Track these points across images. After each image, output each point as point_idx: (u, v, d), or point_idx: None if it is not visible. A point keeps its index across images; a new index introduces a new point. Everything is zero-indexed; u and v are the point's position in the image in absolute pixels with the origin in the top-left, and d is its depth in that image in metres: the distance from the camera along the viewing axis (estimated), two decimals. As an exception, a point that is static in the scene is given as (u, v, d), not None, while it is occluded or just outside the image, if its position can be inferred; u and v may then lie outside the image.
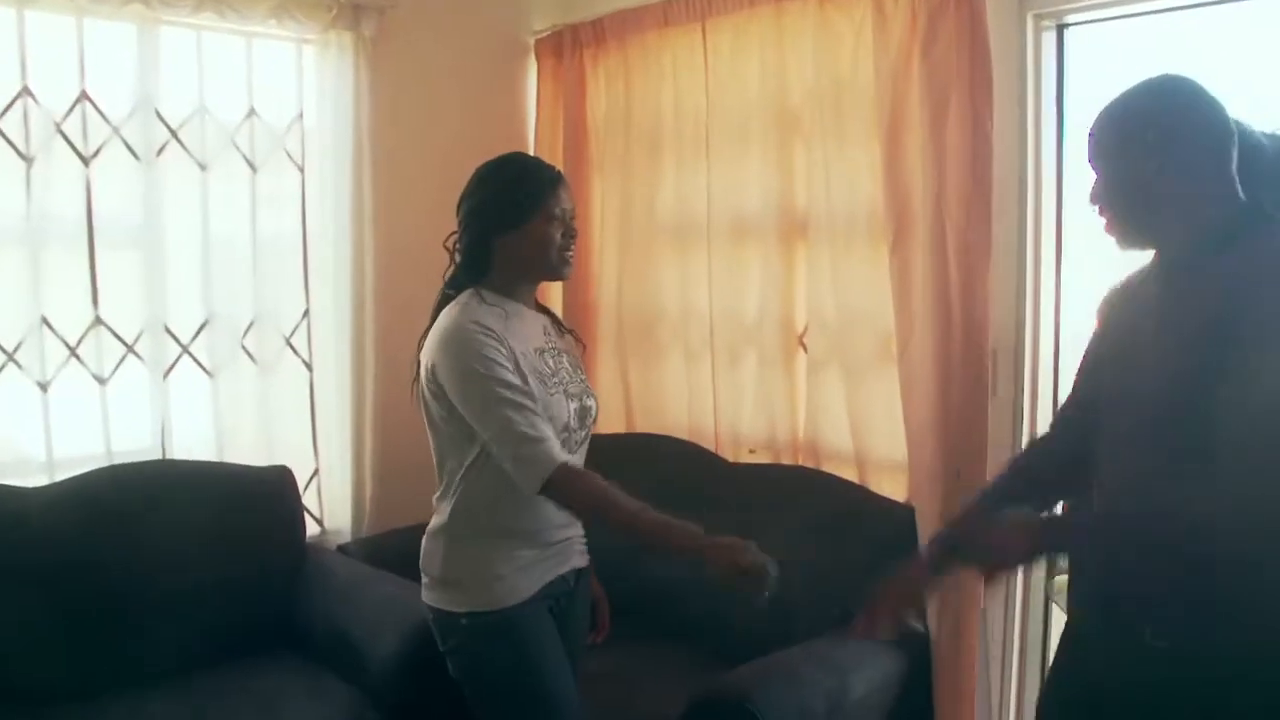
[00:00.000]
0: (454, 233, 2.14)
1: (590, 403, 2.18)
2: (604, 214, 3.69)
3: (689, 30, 3.33)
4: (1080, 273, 2.78)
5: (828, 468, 3.09)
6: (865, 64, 2.86)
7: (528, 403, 1.96)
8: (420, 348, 2.09)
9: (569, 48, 3.71)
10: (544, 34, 3.83)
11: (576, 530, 2.22)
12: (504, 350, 1.98)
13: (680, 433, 3.46)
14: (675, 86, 3.42)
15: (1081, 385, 1.85)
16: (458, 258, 2.13)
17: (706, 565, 1.86)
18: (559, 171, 2.16)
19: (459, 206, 2.13)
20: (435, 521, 2.14)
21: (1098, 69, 2.77)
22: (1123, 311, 1.76)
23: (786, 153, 3.14)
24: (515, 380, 1.97)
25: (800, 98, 3.08)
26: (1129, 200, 1.63)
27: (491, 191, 2.09)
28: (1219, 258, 1.56)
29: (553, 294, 3.75)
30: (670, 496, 3.20)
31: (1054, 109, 2.76)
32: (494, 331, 1.99)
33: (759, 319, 3.24)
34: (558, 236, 2.09)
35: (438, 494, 2.13)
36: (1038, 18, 2.70)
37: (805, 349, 3.17)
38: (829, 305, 3.03)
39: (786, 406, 3.20)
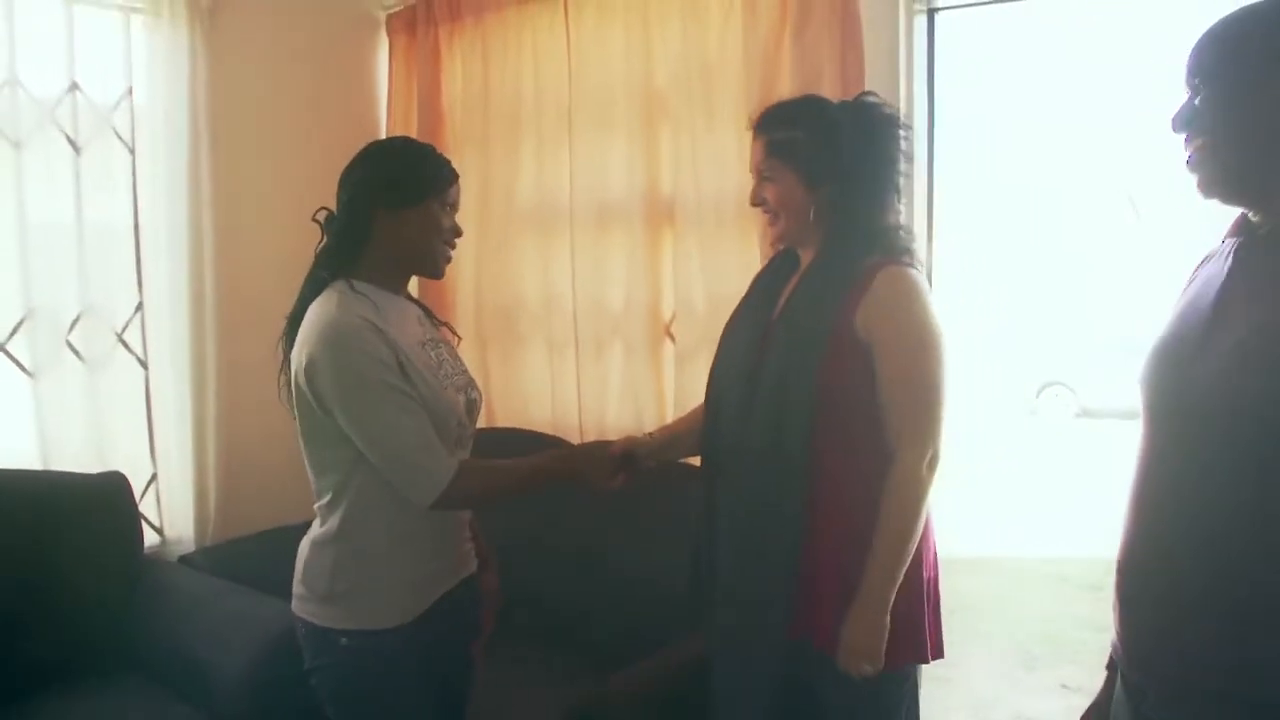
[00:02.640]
0: (322, 208, 1.99)
1: (475, 395, 2.10)
2: (461, 199, 3.52)
3: (550, 6, 3.21)
4: (953, 260, 2.80)
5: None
6: (735, 45, 2.81)
7: (416, 409, 1.85)
8: (287, 336, 1.94)
9: (423, 24, 3.54)
10: (396, 9, 3.67)
11: (467, 535, 2.14)
12: (387, 349, 1.85)
13: (543, 427, 3.35)
14: (536, 66, 3.29)
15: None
16: (331, 232, 1.97)
17: (585, 476, 2.07)
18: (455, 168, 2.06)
19: (343, 179, 1.97)
20: (321, 531, 1.97)
21: (967, 55, 2.79)
22: (1193, 294, 1.43)
23: (652, 136, 3.06)
24: (400, 384, 1.84)
25: (667, 79, 3.00)
26: (1247, 129, 1.29)
27: (389, 165, 1.98)
28: None
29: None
30: (545, 496, 3.15)
31: (925, 94, 2.75)
32: (376, 327, 1.85)
33: (625, 308, 3.16)
34: (445, 227, 2.00)
35: (323, 501, 1.96)
36: (910, 1, 2.68)
37: (673, 338, 3.10)
38: (698, 293, 2.96)
39: (653, 398, 3.12)
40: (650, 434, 2.31)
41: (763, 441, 1.94)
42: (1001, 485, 8.86)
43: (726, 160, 2.86)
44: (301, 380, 1.86)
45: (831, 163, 1.95)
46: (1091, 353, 11.23)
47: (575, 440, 3.27)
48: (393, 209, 1.93)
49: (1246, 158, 1.30)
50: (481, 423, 3.46)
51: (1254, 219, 1.35)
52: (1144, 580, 1.39)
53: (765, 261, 2.25)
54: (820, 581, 1.92)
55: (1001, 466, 9.53)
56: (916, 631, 1.95)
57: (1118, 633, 1.46)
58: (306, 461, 1.97)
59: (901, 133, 2.00)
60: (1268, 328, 1.24)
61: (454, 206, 2.03)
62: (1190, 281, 1.45)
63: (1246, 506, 1.24)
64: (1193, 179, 1.34)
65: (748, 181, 2.79)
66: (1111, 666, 1.56)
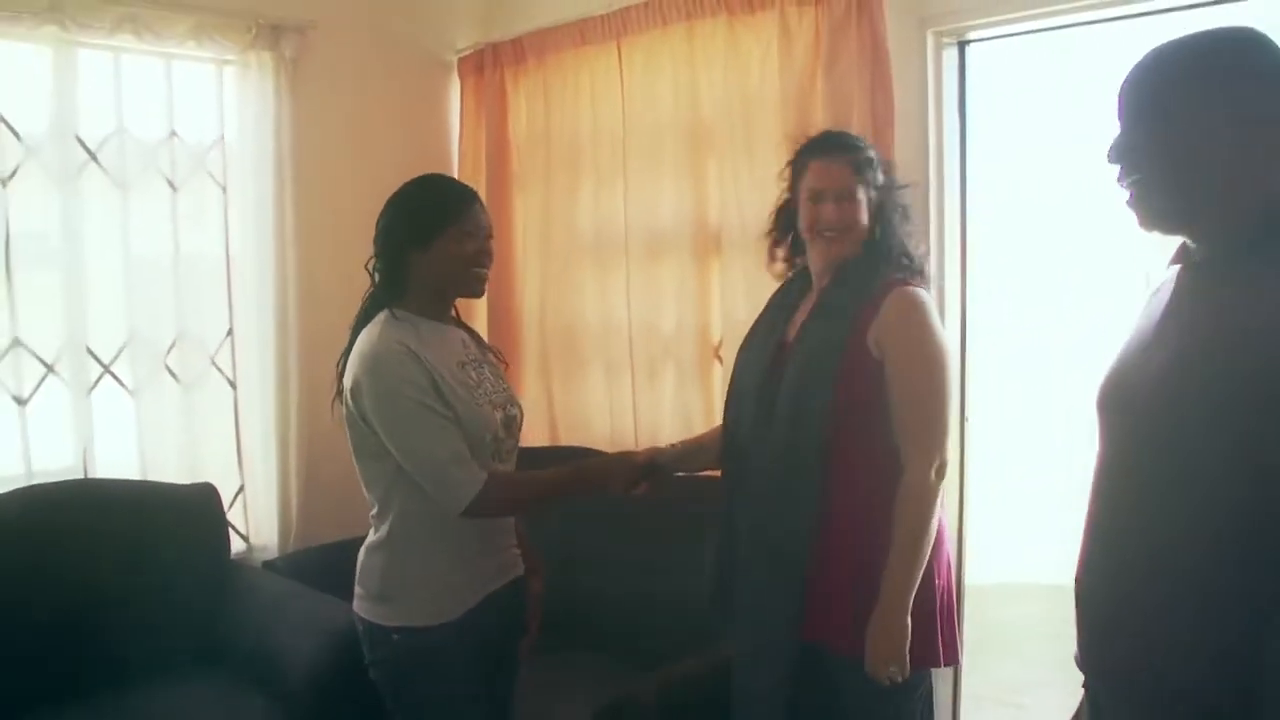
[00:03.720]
0: (373, 256, 2.16)
1: (515, 411, 2.23)
2: (526, 230, 3.75)
3: (605, 49, 3.39)
4: (986, 287, 2.88)
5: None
6: (773, 81, 2.94)
7: (447, 425, 2.00)
8: (340, 366, 2.12)
9: (490, 66, 3.77)
10: (466, 52, 3.89)
11: (513, 541, 2.28)
12: (423, 371, 2.01)
13: (603, 445, 3.50)
14: (593, 104, 3.48)
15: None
16: (376, 279, 2.16)
17: (610, 484, 2.20)
18: (472, 190, 2.19)
19: (375, 229, 2.15)
20: (374, 537, 2.15)
21: (1005, 85, 2.88)
22: (1141, 321, 1.45)
23: (699, 169, 3.21)
24: (433, 403, 2.00)
25: (712, 115, 3.15)
26: (1174, 160, 1.30)
27: (402, 211, 2.13)
28: (1269, 260, 1.25)
29: (478, 308, 3.78)
30: (590, 509, 3.30)
31: (957, 123, 2.85)
32: (413, 352, 2.02)
33: (676, 332, 3.30)
34: (469, 252, 2.11)
35: (374, 511, 2.14)
36: (938, 35, 2.79)
37: (721, 361, 3.22)
38: (743, 317, 3.05)
39: (704, 418, 3.23)
40: (673, 445, 2.44)
41: (780, 452, 2.07)
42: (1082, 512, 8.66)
43: (768, 190, 2.95)
44: (349, 401, 2.05)
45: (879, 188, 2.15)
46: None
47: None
48: (418, 247, 2.09)
49: (1176, 194, 1.32)
50: (545, 440, 3.69)
51: (1191, 246, 1.38)
52: (1101, 581, 1.42)
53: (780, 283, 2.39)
54: (834, 585, 2.04)
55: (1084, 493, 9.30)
56: (929, 636, 2.05)
57: (1078, 640, 1.49)
58: (359, 475, 2.14)
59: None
60: (1192, 351, 1.28)
61: (479, 227, 2.13)
62: (1143, 305, 1.48)
63: (1191, 516, 1.26)
64: (1133, 216, 1.37)
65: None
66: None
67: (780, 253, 2.34)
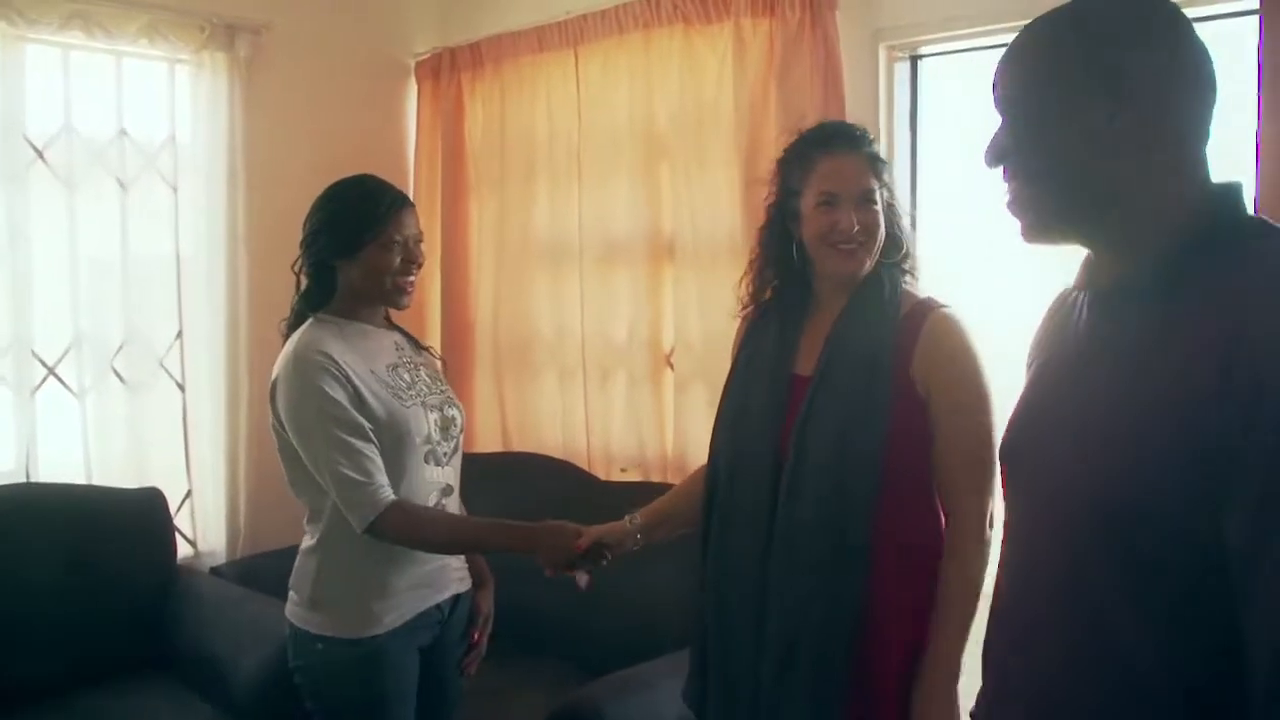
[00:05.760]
0: (299, 256, 2.10)
1: (453, 412, 2.18)
2: (481, 236, 3.74)
3: (562, 56, 3.39)
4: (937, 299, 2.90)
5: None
6: (727, 91, 2.96)
7: (356, 442, 1.95)
8: None
9: (447, 71, 3.76)
10: (424, 56, 3.88)
11: (454, 557, 2.22)
12: (341, 381, 1.96)
13: (555, 452, 3.50)
14: (549, 111, 3.48)
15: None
16: (304, 282, 2.10)
17: (539, 556, 2.06)
18: (403, 195, 2.11)
19: (302, 228, 2.08)
20: (307, 542, 2.12)
21: (957, 99, 2.90)
22: (1049, 355, 1.25)
23: (653, 177, 3.22)
24: (347, 418, 1.95)
25: (666, 123, 3.16)
26: (1057, 163, 1.09)
27: (329, 215, 2.06)
28: (1191, 284, 1.03)
29: (431, 313, 3.78)
30: (543, 516, 3.29)
31: (908, 137, 2.88)
32: (334, 359, 1.97)
33: (628, 339, 3.31)
34: (395, 264, 2.05)
35: (308, 515, 2.11)
36: (890, 49, 2.82)
37: (673, 368, 3.23)
38: (694, 326, 3.10)
39: (655, 424, 3.26)
40: (632, 519, 2.12)
41: (820, 506, 1.76)
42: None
43: (719, 200, 3.00)
44: (270, 404, 2.03)
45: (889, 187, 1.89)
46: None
47: (584, 463, 3.42)
48: (341, 257, 2.04)
49: (1065, 198, 1.11)
50: (497, 447, 3.68)
51: (1094, 261, 1.17)
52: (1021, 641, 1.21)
53: (750, 309, 2.07)
54: (880, 664, 1.76)
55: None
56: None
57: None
58: (287, 479, 2.09)
59: None
60: (1110, 410, 1.08)
61: (405, 236, 2.06)
62: (1046, 332, 1.29)
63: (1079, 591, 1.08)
64: (1017, 225, 1.16)
65: (739, 220, 2.93)
66: None
67: (770, 274, 1.97)
